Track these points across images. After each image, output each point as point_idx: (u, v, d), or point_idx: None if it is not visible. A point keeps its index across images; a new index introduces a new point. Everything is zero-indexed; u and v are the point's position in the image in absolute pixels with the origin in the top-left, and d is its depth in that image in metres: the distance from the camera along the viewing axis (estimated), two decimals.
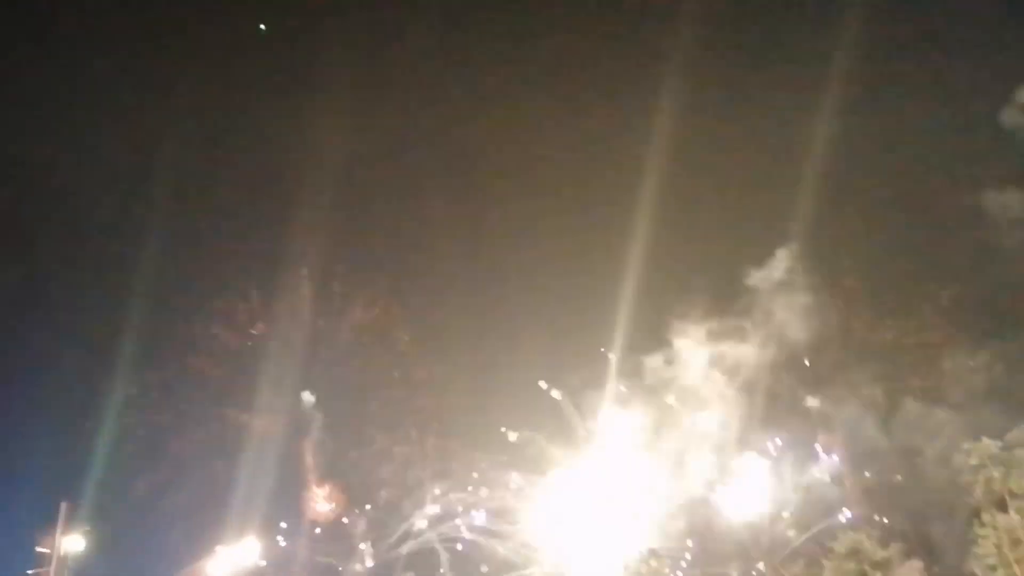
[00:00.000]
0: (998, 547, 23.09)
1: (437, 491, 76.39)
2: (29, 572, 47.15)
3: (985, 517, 23.38)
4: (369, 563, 72.76)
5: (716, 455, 75.90)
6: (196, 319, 73.52)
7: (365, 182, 77.13)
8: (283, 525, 68.92)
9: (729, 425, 75.95)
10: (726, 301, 75.86)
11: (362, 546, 72.35)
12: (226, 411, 72.00)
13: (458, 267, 79.70)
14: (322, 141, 72.06)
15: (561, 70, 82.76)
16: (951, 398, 69.36)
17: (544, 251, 77.66)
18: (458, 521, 76.62)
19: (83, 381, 67.95)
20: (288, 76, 78.64)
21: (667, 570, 43.55)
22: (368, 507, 71.27)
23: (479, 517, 77.11)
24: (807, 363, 78.08)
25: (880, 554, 27.10)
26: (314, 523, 69.80)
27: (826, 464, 75.47)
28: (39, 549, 46.21)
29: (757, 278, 74.42)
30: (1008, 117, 68.77)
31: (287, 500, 70.02)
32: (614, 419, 78.39)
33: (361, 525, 70.83)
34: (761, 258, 74.65)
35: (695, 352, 74.70)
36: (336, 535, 70.40)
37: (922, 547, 50.55)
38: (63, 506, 47.04)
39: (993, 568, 23.39)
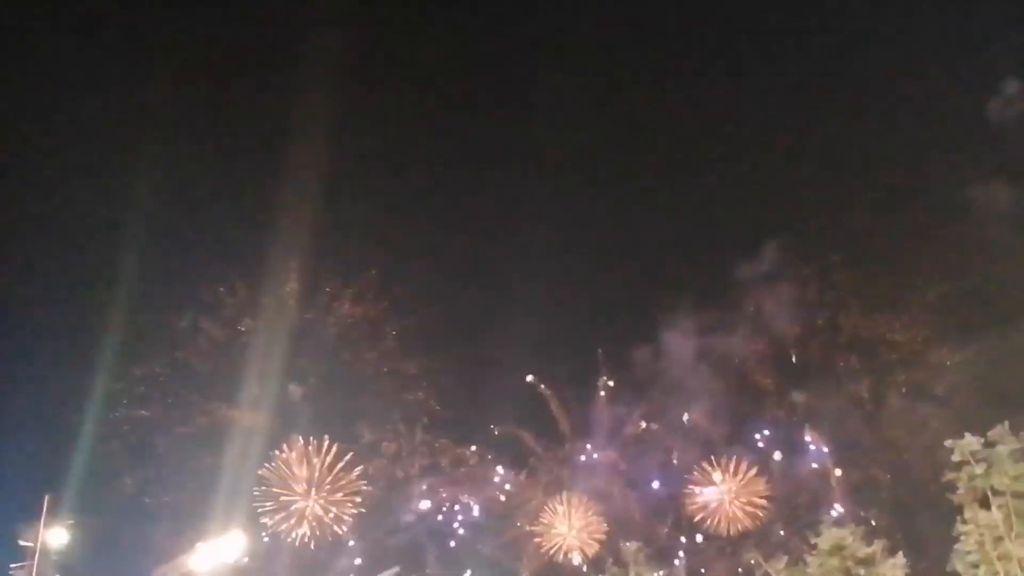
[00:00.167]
0: (980, 544, 23.05)
1: (424, 486, 76.57)
2: (13, 566, 46.88)
3: (967, 514, 23.31)
4: (356, 557, 72.73)
5: (702, 449, 76.48)
6: (183, 313, 73.25)
7: (353, 175, 76.87)
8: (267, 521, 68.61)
9: (715, 418, 76.50)
10: (713, 294, 76.35)
11: (351, 543, 72.34)
12: (213, 405, 71.69)
13: (446, 261, 79.78)
14: (310, 134, 71.64)
15: (547, 62, 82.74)
16: (936, 393, 69.91)
17: (534, 246, 77.56)
18: (444, 516, 76.85)
19: (68, 374, 67.67)
20: (277, 67, 78.12)
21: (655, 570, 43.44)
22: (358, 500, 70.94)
23: (467, 511, 77.33)
24: (793, 358, 78.58)
25: (864, 550, 26.98)
26: (302, 517, 69.51)
27: (812, 458, 76.00)
28: (22, 542, 45.92)
29: (744, 271, 74.83)
30: (995, 113, 69.15)
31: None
32: (601, 412, 78.82)
33: (348, 519, 70.61)
34: (747, 252, 75.10)
35: (682, 345, 75.07)
36: (324, 530, 70.15)
37: (907, 543, 50.88)
38: (46, 499, 46.69)
39: (975, 565, 23.37)
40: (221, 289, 73.60)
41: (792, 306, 76.16)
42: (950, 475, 23.42)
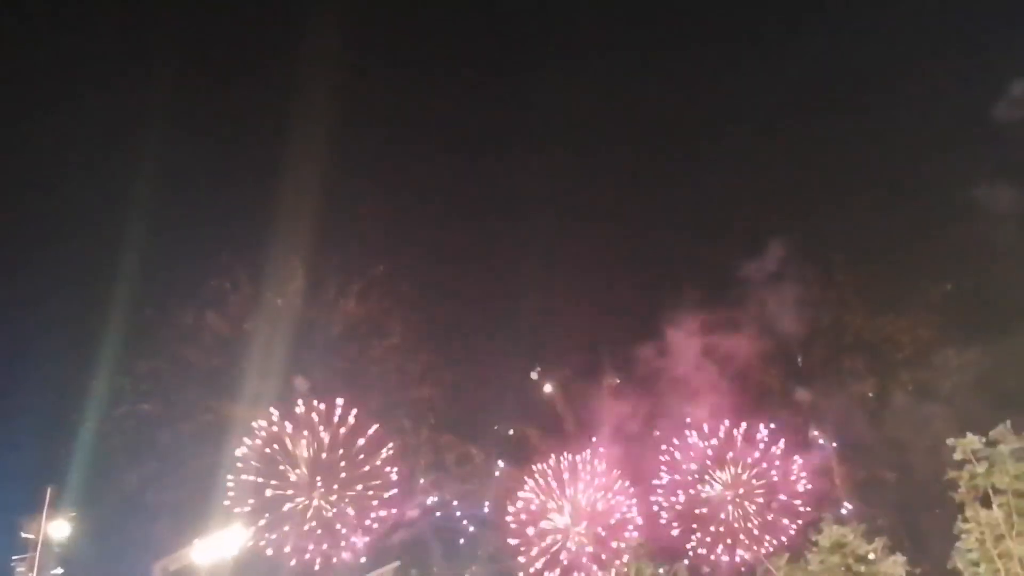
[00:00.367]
0: (981, 542, 23.00)
1: (427, 481, 76.47)
2: (15, 558, 47.10)
3: (968, 512, 23.27)
4: (361, 552, 72.61)
5: (705, 447, 76.48)
6: (186, 309, 73.06)
7: (359, 173, 76.95)
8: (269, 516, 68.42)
9: (720, 415, 76.40)
10: (718, 293, 76.27)
11: (353, 539, 72.22)
12: (216, 402, 71.51)
13: (451, 259, 79.89)
14: (315, 129, 71.68)
15: (547, 65, 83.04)
16: (940, 392, 69.82)
17: (541, 243, 77.64)
18: (443, 512, 76.76)
19: (72, 368, 67.77)
20: (278, 66, 78.23)
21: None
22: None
23: (471, 507, 77.30)
24: (799, 357, 78.54)
25: (864, 548, 26.99)
26: (306, 511, 69.28)
27: (816, 456, 75.98)
28: (24, 534, 46.11)
29: (748, 270, 74.74)
30: (999, 113, 68.92)
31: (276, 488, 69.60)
32: (605, 410, 78.72)
33: (353, 513, 70.43)
34: (751, 251, 74.99)
35: (687, 343, 75.01)
36: (327, 523, 70.01)
37: (909, 540, 50.81)
38: (48, 491, 46.88)
39: (975, 563, 23.32)
40: (225, 285, 73.52)
41: (797, 305, 76.13)
42: (952, 473, 23.38)
